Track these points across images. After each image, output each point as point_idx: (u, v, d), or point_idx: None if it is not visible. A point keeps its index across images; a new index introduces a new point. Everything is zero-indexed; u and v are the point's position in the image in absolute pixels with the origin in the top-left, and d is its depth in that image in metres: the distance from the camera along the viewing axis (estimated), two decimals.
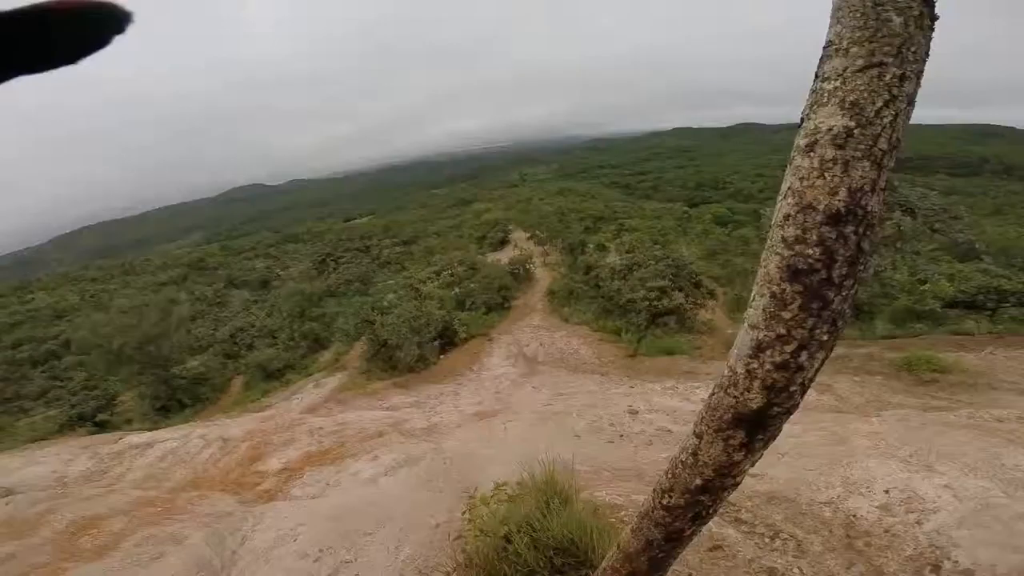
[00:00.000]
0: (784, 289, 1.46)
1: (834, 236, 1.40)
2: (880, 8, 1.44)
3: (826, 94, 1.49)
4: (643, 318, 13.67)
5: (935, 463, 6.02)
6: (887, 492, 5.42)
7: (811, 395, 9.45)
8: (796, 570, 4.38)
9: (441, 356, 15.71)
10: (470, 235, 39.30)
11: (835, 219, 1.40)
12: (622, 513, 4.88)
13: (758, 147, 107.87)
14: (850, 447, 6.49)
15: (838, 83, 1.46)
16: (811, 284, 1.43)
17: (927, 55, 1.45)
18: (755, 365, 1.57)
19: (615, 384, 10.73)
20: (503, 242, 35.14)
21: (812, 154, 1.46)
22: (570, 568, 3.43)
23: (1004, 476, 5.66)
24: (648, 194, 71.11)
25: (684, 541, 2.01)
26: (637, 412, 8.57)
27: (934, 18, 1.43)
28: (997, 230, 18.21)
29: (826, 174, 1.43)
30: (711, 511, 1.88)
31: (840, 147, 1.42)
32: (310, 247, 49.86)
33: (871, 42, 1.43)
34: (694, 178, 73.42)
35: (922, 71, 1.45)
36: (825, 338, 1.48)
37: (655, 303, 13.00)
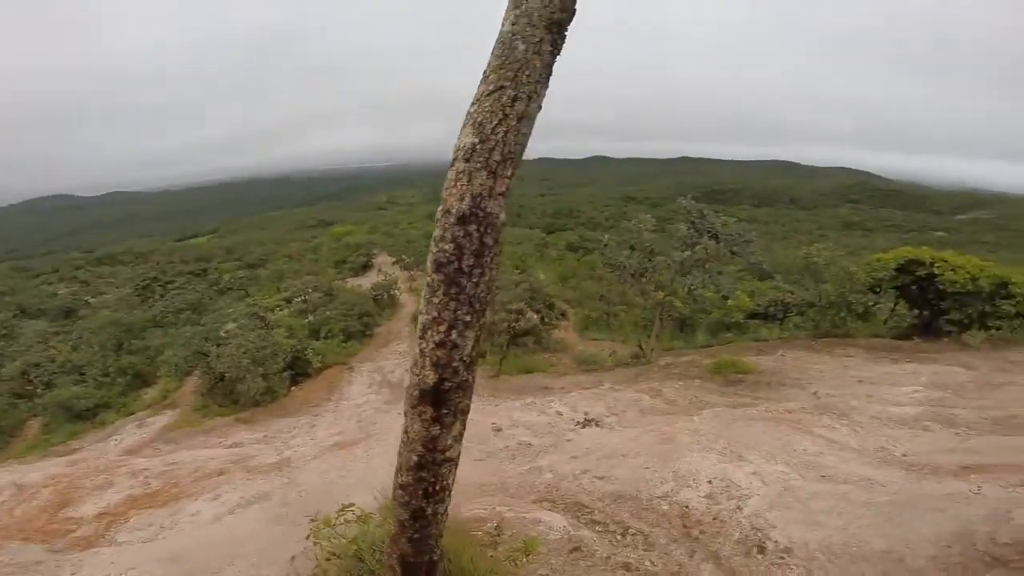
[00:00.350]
0: (433, 279, 1.81)
1: (462, 234, 1.76)
2: (513, 38, 1.78)
3: (468, 116, 1.82)
4: (504, 339, 14.18)
5: (744, 453, 6.97)
6: (710, 482, 6.14)
7: (645, 400, 10.49)
8: (648, 563, 4.75)
9: (293, 388, 14.75)
10: (328, 259, 37.17)
11: (462, 220, 1.76)
12: (487, 525, 4.98)
13: (608, 178, 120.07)
14: (677, 444, 7.24)
15: (475, 106, 1.81)
16: (449, 273, 1.78)
17: (546, 77, 1.80)
18: (424, 345, 1.89)
19: (480, 404, 10.94)
20: (366, 267, 33.83)
21: (452, 167, 1.80)
22: None
23: (796, 460, 6.77)
24: (512, 221, 74.58)
25: (432, 520, 2.26)
26: (500, 429, 8.70)
27: (557, 45, 1.80)
28: (785, 252, 22.17)
29: (457, 183, 1.76)
30: (437, 487, 2.15)
31: (467, 160, 1.76)
32: (132, 270, 42.67)
33: (501, 69, 1.78)
34: (552, 206, 78.85)
35: (538, 92, 1.81)
36: (468, 319, 1.83)
37: (514, 324, 13.57)
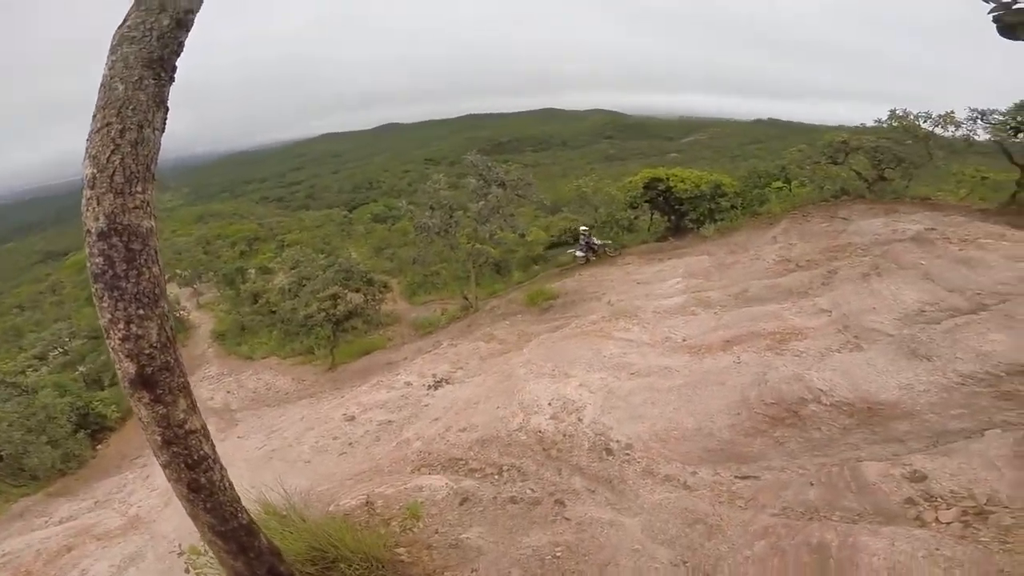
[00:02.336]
0: (96, 288, 2.12)
1: (107, 247, 2.07)
2: (112, 80, 2.09)
3: (85, 150, 2.11)
4: (327, 329, 13.52)
5: (568, 370, 7.88)
6: (550, 404, 6.87)
7: (482, 346, 11.18)
8: (528, 491, 5.24)
9: (99, 446, 13.11)
10: (76, 296, 29.74)
11: (103, 236, 2.06)
12: (372, 507, 5.03)
13: (403, 145, 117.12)
14: (515, 379, 7.89)
15: (89, 142, 2.11)
16: (107, 281, 2.09)
17: (158, 103, 2.15)
18: (112, 343, 2.17)
19: (325, 400, 10.44)
20: None
21: (91, 191, 2.08)
22: (323, 571, 3.67)
23: (609, 364, 7.81)
24: (306, 204, 68.59)
25: (213, 488, 2.50)
26: (354, 417, 8.51)
27: (163, 76, 2.14)
28: (566, 188, 24.63)
29: (89, 207, 2.07)
30: (196, 457, 2.41)
31: (92, 188, 2.07)
32: None
33: (104, 108, 2.08)
34: (349, 181, 74.60)
35: (150, 119, 2.14)
36: (142, 312, 2.14)
37: (332, 311, 12.99)
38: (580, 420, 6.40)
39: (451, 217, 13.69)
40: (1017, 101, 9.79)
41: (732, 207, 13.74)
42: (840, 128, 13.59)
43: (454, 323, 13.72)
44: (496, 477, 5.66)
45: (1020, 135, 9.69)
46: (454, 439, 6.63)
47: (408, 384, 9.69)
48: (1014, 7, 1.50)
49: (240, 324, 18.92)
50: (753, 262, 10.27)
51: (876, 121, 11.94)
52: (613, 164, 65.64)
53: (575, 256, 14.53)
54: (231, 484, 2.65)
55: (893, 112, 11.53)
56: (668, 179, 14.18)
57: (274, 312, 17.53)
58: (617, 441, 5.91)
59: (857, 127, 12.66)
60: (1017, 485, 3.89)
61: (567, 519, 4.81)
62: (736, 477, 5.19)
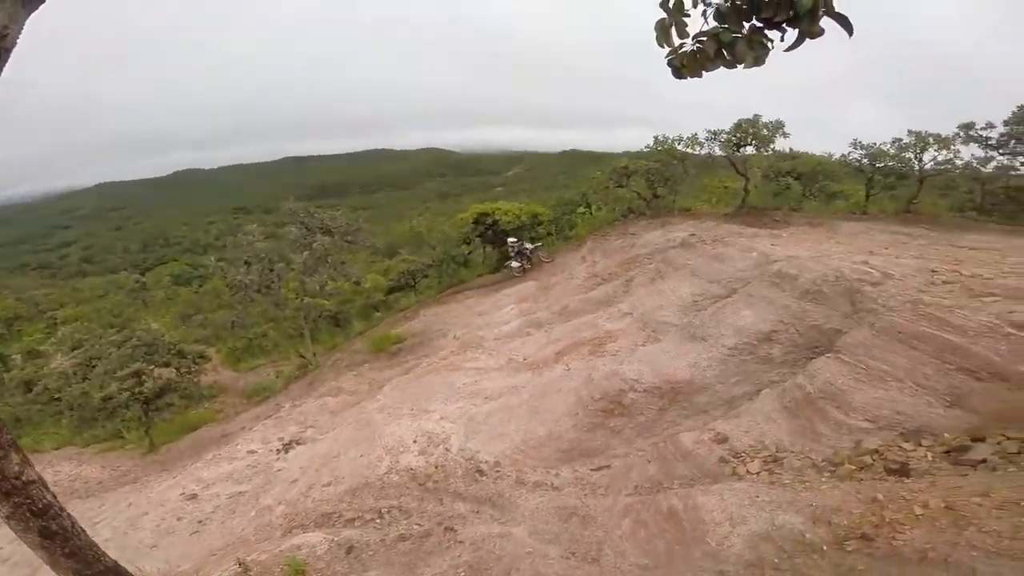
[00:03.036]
0: None
1: None
2: None
3: None
4: (136, 410, 11.39)
5: (426, 406, 8.03)
6: (415, 441, 6.95)
7: (330, 401, 10.51)
8: (415, 526, 5.31)
9: None
10: None
11: None
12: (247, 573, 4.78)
13: (203, 192, 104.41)
14: (374, 425, 7.77)
15: None
16: None
17: None
18: None
19: (154, 483, 8.98)
20: None
21: None
22: None
23: (463, 393, 8.15)
24: (81, 270, 56.51)
25: (66, 534, 2.54)
26: (196, 495, 7.73)
27: None
28: (401, 229, 24.71)
29: None
30: (40, 505, 2.46)
31: None
32: None
33: None
34: (137, 239, 63.75)
35: None
36: None
37: (138, 390, 10.96)
38: (448, 450, 6.61)
39: (271, 271, 12.62)
40: (736, 120, 12.62)
41: (548, 234, 15.30)
42: (625, 154, 16.05)
43: (293, 383, 12.68)
44: (378, 521, 5.64)
45: (742, 149, 12.59)
46: (321, 495, 6.39)
47: (252, 452, 8.92)
48: (680, 51, 1.96)
49: (14, 416, 15.05)
50: (568, 281, 11.66)
51: (646, 146, 14.48)
52: (446, 201, 67.45)
53: (511, 268, 13.91)
54: (84, 531, 2.67)
55: (656, 138, 14.09)
56: (494, 213, 15.24)
57: (58, 399, 14.30)
58: (486, 461, 6.25)
59: (638, 152, 15.17)
60: (792, 432, 4.99)
61: (460, 542, 4.97)
62: (591, 470, 5.87)
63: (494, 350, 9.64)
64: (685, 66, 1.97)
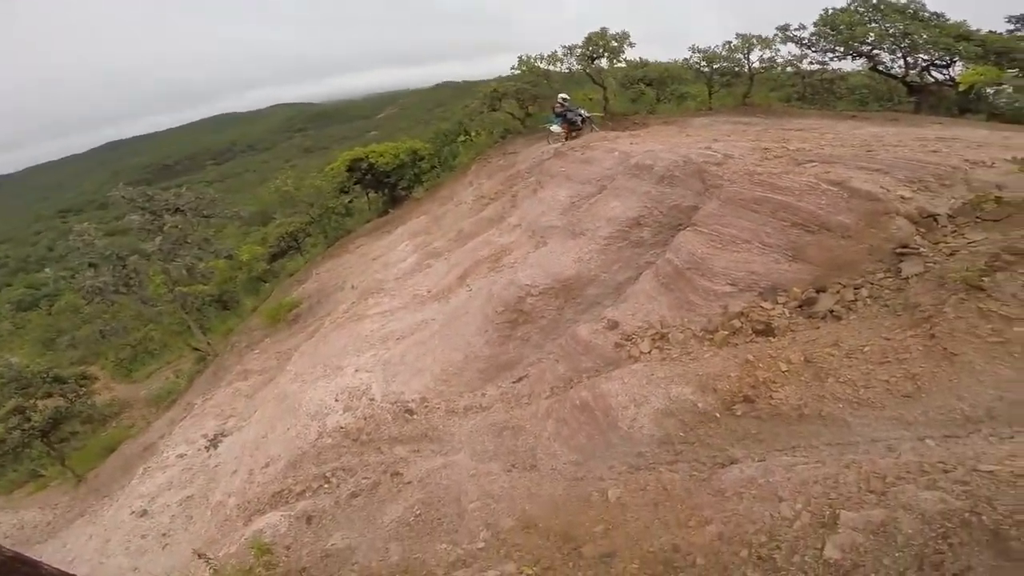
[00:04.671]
0: None
1: None
2: None
3: None
4: (37, 447, 10.32)
5: (339, 363, 7.92)
6: (337, 400, 6.91)
7: (241, 385, 10.02)
8: (364, 480, 5.42)
9: None
10: None
11: None
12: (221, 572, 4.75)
13: (15, 200, 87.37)
14: (291, 395, 7.68)
15: None
16: None
17: None
18: None
19: (101, 511, 8.44)
20: None
21: None
22: None
23: (373, 341, 8.09)
24: None
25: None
26: (146, 511, 7.54)
27: None
28: (267, 192, 22.39)
29: None
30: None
31: None
32: None
33: None
34: None
35: None
36: None
37: (28, 427, 9.87)
38: (372, 399, 6.66)
39: (124, 268, 11.27)
40: (586, 34, 12.91)
41: (432, 167, 15.00)
42: (497, 79, 15.74)
43: (196, 379, 11.88)
44: (326, 486, 5.71)
45: (596, 61, 12.99)
46: (264, 478, 6.35)
47: (182, 456, 8.63)
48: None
49: None
50: (458, 207, 11.71)
51: (512, 68, 14.37)
52: (315, 156, 62.65)
53: (550, 132, 11.41)
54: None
55: (520, 58, 14.00)
56: (368, 157, 14.49)
57: None
58: (412, 400, 6.39)
59: (507, 75, 15.01)
60: (671, 306, 5.44)
61: (409, 483, 5.20)
62: (513, 383, 6.22)
63: (395, 290, 9.62)
64: None
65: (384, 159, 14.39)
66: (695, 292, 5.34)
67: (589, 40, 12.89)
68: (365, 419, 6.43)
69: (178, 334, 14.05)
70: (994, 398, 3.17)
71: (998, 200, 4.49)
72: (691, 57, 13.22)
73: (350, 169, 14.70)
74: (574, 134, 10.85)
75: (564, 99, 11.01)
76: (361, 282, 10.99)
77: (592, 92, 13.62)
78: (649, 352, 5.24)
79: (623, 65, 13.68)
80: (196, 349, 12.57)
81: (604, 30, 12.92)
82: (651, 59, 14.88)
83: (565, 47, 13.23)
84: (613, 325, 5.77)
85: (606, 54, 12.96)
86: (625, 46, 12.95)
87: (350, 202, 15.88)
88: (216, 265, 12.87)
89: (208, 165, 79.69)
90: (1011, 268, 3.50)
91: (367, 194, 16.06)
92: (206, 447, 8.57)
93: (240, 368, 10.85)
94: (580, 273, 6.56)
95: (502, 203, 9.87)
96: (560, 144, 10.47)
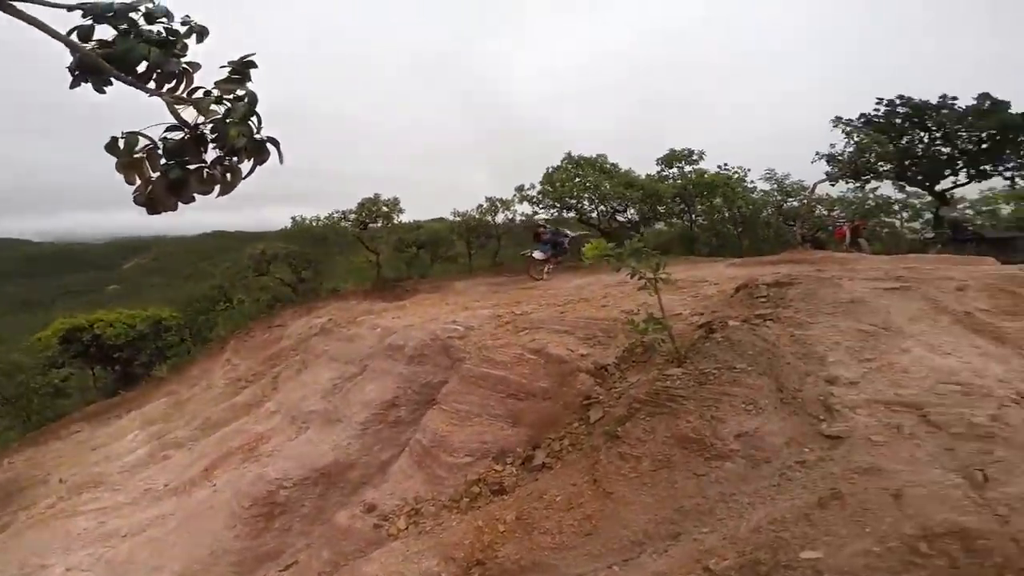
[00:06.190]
0: None
1: None
2: None
3: None
4: None
5: (44, 561, 6.30)
6: None
7: None
8: None
9: None
10: None
11: None
12: None
13: None
14: None
15: None
16: None
17: None
18: None
19: None
20: None
21: None
22: None
23: (89, 539, 6.70)
24: None
25: None
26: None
27: None
28: None
29: None
30: None
31: None
32: None
33: None
34: None
35: None
36: None
37: None
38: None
39: None
40: (360, 200, 13.97)
41: (182, 340, 13.35)
42: (266, 235, 15.45)
43: None
44: None
45: (370, 226, 13.90)
46: None
47: None
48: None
49: None
50: (207, 391, 10.63)
51: (283, 228, 14.42)
52: (34, 311, 49.36)
53: (532, 260, 10.62)
54: None
55: (293, 219, 14.19)
56: (93, 326, 12.27)
57: None
58: None
59: (280, 231, 14.84)
60: (424, 482, 5.67)
61: None
62: (280, 571, 5.84)
63: (122, 484, 8.38)
64: (154, 200, 1.90)
65: (114, 330, 12.34)
66: (441, 467, 5.77)
67: (362, 206, 14.01)
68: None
69: None
70: (647, 521, 3.93)
71: (642, 346, 5.75)
72: (454, 218, 14.90)
73: (65, 340, 12.14)
74: (559, 259, 11.18)
75: (546, 224, 11.42)
76: (74, 475, 9.20)
77: (362, 258, 14.38)
78: (406, 528, 5.37)
79: (400, 225, 14.74)
80: None
81: (377, 196, 14.15)
82: (434, 215, 16.43)
83: (339, 212, 14.03)
84: (371, 508, 5.86)
85: (379, 218, 14.08)
86: (396, 211, 14.22)
87: (64, 380, 12.83)
88: None
89: None
90: (636, 415, 4.58)
91: (92, 369, 13.28)
92: None
93: None
94: (339, 459, 6.55)
95: (261, 386, 9.37)
96: (546, 276, 10.61)
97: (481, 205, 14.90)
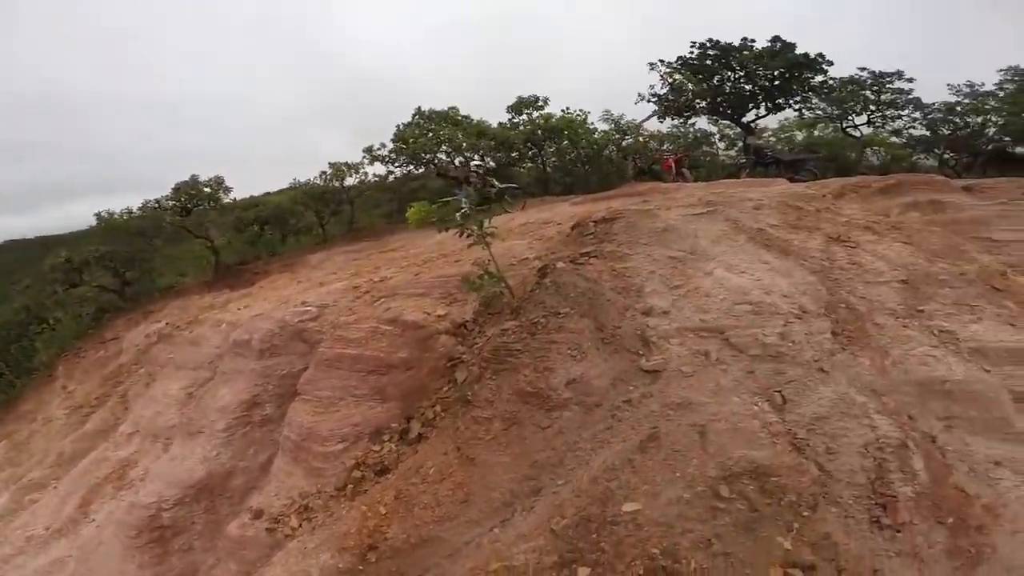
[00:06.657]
0: None
1: None
2: None
3: None
4: None
5: None
6: None
7: None
8: None
9: None
10: None
11: None
12: None
13: None
14: None
15: None
16: None
17: None
18: None
19: None
20: None
21: None
22: None
23: None
24: None
25: None
26: None
27: None
28: None
29: None
30: None
31: None
32: None
33: None
34: None
35: None
36: None
37: None
38: None
39: None
40: (173, 186, 12.39)
41: (0, 375, 11.17)
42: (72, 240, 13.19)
43: None
44: None
45: (193, 212, 12.42)
46: None
47: None
48: None
49: None
50: (48, 424, 9.27)
51: (88, 227, 12.36)
52: None
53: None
54: None
55: (98, 215, 12.27)
56: None
57: None
58: None
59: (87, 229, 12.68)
60: (306, 476, 5.40)
61: None
62: None
63: None
64: None
65: None
66: (316, 459, 5.57)
67: (177, 192, 12.39)
68: None
69: None
70: (510, 481, 4.11)
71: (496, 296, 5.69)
72: (296, 191, 13.86)
73: None
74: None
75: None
76: None
77: (198, 245, 12.93)
78: (299, 526, 5.18)
79: (235, 204, 13.42)
80: None
81: (194, 178, 12.58)
82: (282, 185, 15.12)
83: (153, 201, 12.38)
84: (258, 514, 5.57)
85: (203, 202, 12.60)
86: (221, 190, 12.83)
87: None
88: None
89: None
90: (483, 376, 4.66)
91: None
92: None
93: None
94: (212, 471, 6.16)
95: (110, 408, 8.34)
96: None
97: (325, 172, 14.03)
